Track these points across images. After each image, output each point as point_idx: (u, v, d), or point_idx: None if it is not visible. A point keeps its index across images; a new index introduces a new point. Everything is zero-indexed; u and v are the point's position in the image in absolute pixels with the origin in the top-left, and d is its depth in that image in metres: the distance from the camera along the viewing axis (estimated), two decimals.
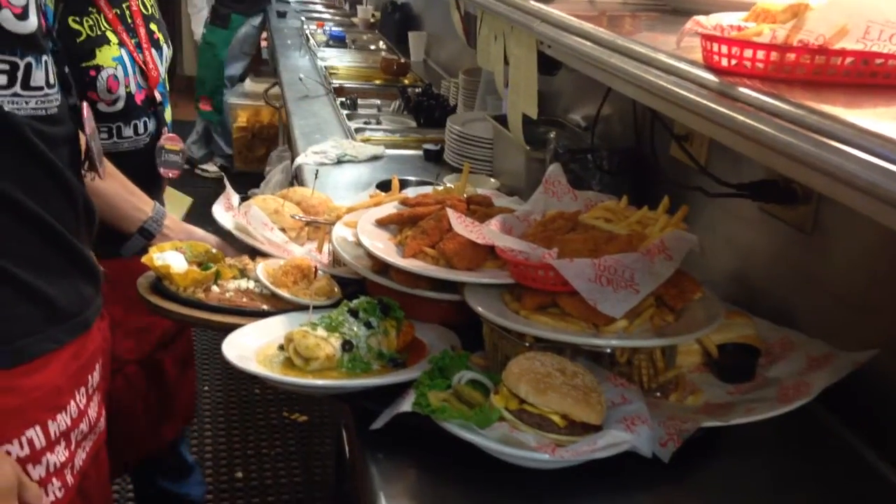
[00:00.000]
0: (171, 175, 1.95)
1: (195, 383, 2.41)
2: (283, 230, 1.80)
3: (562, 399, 1.15)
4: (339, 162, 2.66)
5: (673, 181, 1.76)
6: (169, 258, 1.51)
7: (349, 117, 3.29)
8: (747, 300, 1.60)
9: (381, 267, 1.52)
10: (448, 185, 2.00)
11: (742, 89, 0.94)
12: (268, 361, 1.34)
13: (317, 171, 2.20)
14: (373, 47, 4.91)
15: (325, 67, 4.12)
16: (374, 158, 2.73)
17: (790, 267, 1.56)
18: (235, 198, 1.89)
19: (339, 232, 1.66)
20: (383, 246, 1.53)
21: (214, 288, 1.52)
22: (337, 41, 4.90)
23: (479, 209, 1.62)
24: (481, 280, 1.42)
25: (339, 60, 4.40)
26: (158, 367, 2.09)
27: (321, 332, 1.34)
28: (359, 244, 1.58)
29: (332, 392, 1.33)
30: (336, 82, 3.86)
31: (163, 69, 1.95)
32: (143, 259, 1.53)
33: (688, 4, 1.46)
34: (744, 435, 1.29)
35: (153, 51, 1.90)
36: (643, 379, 1.35)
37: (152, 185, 1.94)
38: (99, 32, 1.79)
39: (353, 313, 1.40)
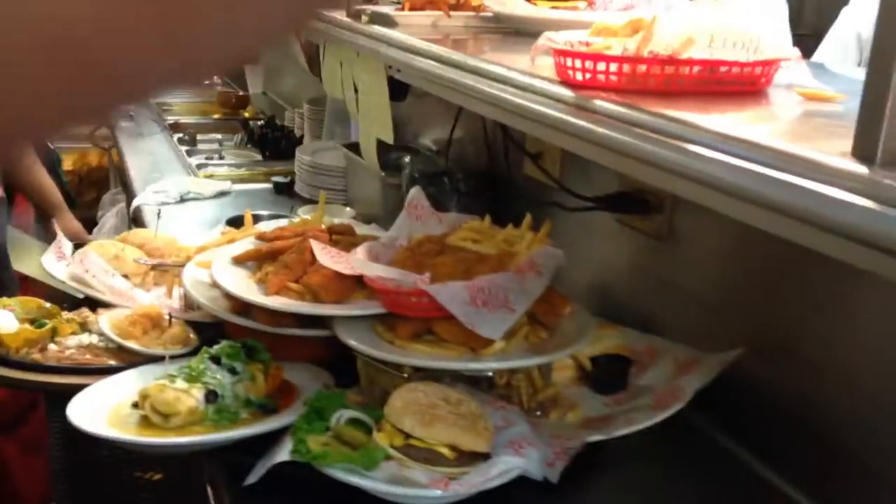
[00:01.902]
0: None
1: (47, 471, 2.18)
2: (125, 276, 1.66)
3: (449, 429, 1.11)
4: (183, 200, 2.51)
5: (530, 199, 1.78)
6: None
7: (189, 153, 3.13)
8: (611, 310, 1.62)
9: (242, 307, 1.42)
10: (304, 216, 1.92)
11: (598, 102, 0.96)
12: (121, 423, 1.21)
13: (159, 210, 2.06)
14: (207, 81, 4.73)
15: (157, 104, 3.92)
16: (221, 194, 2.60)
17: (649, 275, 1.60)
18: (68, 246, 1.73)
19: (192, 273, 1.54)
20: (243, 285, 1.44)
21: (52, 346, 1.37)
22: None
23: (342, 238, 1.56)
24: (352, 312, 1.36)
25: (173, 96, 4.19)
26: None
27: (181, 383, 1.23)
28: (214, 285, 1.47)
29: (199, 449, 1.23)
30: (171, 118, 3.68)
31: None
32: None
33: (529, 26, 1.49)
34: (626, 445, 1.30)
35: None
36: (523, 399, 1.33)
37: None
38: None
39: (215, 360, 1.30)
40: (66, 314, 1.47)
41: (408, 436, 1.12)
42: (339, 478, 1.10)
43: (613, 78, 0.98)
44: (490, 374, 1.29)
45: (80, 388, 1.27)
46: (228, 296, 1.43)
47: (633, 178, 1.42)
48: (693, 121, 0.84)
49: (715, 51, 0.99)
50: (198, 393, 1.24)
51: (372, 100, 1.83)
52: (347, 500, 1.11)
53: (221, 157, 3.21)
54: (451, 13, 1.64)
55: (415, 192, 1.62)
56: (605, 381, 1.41)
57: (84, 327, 1.43)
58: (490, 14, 1.64)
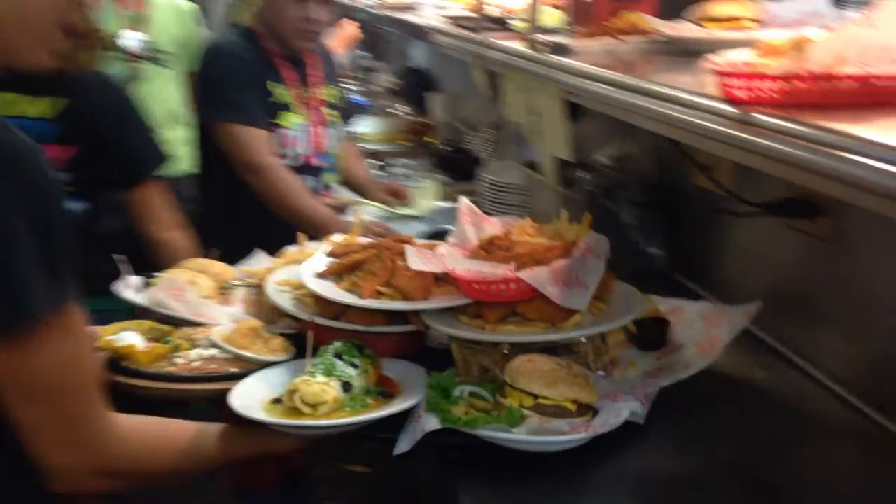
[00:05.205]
0: None
1: None
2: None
3: (570, 387, 1.34)
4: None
5: (701, 207, 1.92)
6: (126, 338, 1.49)
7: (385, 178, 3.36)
8: (782, 308, 1.68)
9: (333, 313, 1.58)
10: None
11: (759, 116, 1.05)
12: (279, 415, 1.35)
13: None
14: (393, 111, 4.99)
15: (357, 134, 4.21)
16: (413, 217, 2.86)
17: (819, 275, 1.64)
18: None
19: (273, 290, 1.68)
20: (334, 293, 1.58)
21: (178, 360, 1.51)
22: (359, 109, 4.93)
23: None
24: (444, 304, 1.53)
25: (365, 127, 4.48)
26: None
27: (321, 377, 1.38)
28: (299, 298, 1.64)
29: (361, 425, 1.35)
30: (367, 147, 3.97)
31: (333, 142, 2.66)
32: (101, 344, 1.49)
33: (698, 47, 1.53)
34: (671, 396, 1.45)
35: (324, 128, 2.64)
36: (590, 362, 1.54)
37: None
38: (284, 101, 2.55)
39: (339, 356, 1.44)
40: (176, 333, 1.59)
41: (535, 396, 1.33)
42: (491, 438, 1.30)
43: (774, 95, 1.05)
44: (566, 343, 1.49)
45: (218, 392, 1.39)
46: (320, 303, 1.58)
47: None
48: (848, 130, 0.92)
49: (867, 66, 1.03)
50: (335, 384, 1.38)
51: (551, 122, 1.93)
52: (491, 460, 1.31)
53: (413, 181, 3.43)
54: (624, 38, 1.74)
55: (464, 201, 1.77)
56: (650, 340, 1.65)
57: (193, 343, 1.55)
58: (660, 37, 1.70)
